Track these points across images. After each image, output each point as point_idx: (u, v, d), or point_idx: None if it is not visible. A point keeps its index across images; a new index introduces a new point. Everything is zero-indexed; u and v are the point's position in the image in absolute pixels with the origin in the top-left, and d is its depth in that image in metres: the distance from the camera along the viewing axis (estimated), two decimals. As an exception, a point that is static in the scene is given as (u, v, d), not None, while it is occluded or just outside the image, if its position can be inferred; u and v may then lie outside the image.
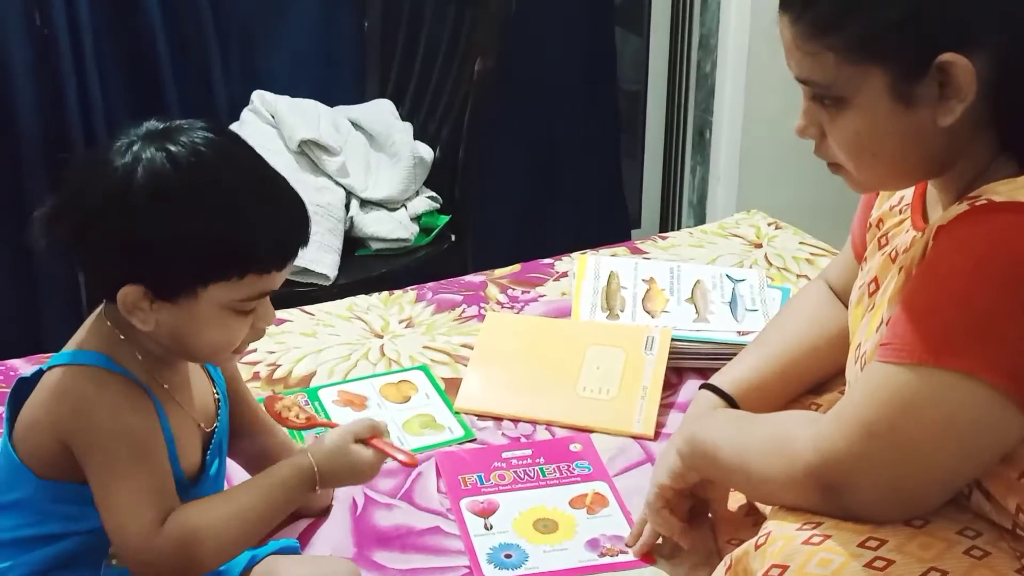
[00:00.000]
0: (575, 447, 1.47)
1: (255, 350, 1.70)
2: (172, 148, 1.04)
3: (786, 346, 1.36)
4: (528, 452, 1.46)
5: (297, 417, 1.26)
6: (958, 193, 1.03)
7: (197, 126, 1.08)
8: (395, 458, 1.20)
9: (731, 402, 1.33)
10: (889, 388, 0.98)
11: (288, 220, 1.10)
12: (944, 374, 0.94)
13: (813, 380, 1.36)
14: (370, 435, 1.18)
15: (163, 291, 1.05)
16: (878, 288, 1.13)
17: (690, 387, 1.57)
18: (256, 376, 1.63)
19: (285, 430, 1.32)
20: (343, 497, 1.39)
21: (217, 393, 1.21)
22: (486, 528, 1.33)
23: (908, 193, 1.15)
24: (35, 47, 2.39)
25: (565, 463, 1.44)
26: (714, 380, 1.37)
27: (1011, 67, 0.97)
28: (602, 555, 1.29)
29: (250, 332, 1.12)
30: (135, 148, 1.05)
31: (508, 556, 1.29)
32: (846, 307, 1.32)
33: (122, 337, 1.09)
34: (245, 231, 1.05)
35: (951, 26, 0.96)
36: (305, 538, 1.33)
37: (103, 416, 1.06)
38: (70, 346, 1.12)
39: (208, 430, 1.18)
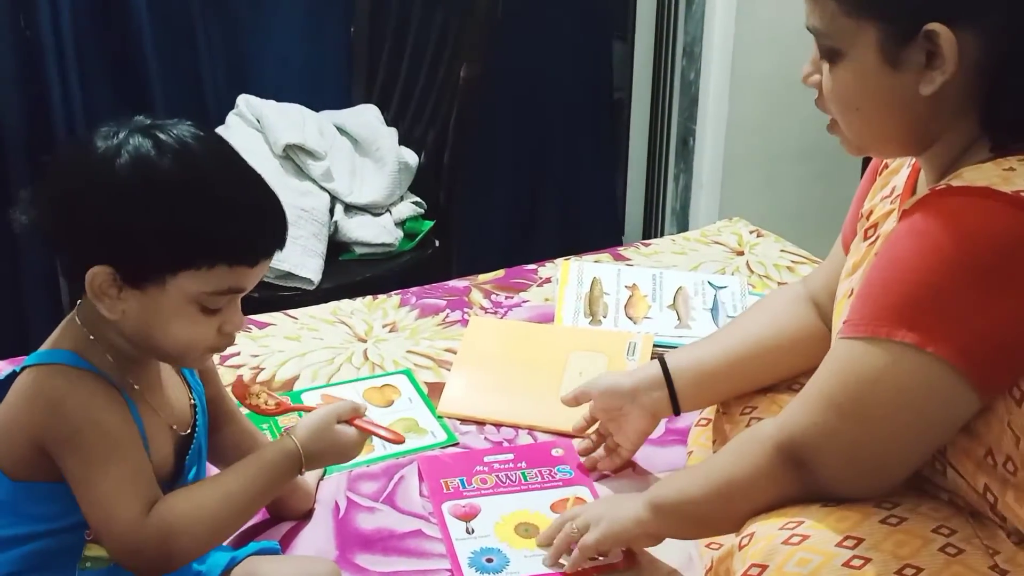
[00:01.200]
0: (557, 452, 1.48)
1: (238, 353, 1.70)
2: (160, 136, 1.05)
3: (740, 342, 1.38)
4: (510, 456, 1.47)
5: (267, 403, 1.26)
6: (939, 173, 1.06)
7: (184, 123, 1.08)
8: (380, 435, 1.21)
9: (671, 388, 1.37)
10: (847, 362, 1.01)
11: (264, 219, 1.10)
12: (896, 346, 0.97)
13: (762, 379, 1.37)
14: (352, 415, 1.19)
15: (132, 275, 1.05)
16: (853, 273, 1.16)
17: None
18: (240, 380, 1.63)
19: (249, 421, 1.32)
20: (326, 500, 1.40)
21: (194, 399, 1.20)
22: (468, 532, 1.34)
23: (899, 184, 1.17)
24: (19, 52, 2.39)
25: (547, 467, 1.45)
26: (667, 355, 1.40)
27: (996, 48, 0.99)
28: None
29: (219, 337, 1.11)
30: (121, 135, 1.05)
31: (489, 560, 1.30)
32: (825, 314, 1.33)
33: (92, 337, 1.09)
34: (219, 220, 1.06)
35: None
36: (287, 541, 1.33)
37: (76, 411, 1.05)
38: (44, 347, 1.12)
39: (182, 433, 1.17)
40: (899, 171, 1.20)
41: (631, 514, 1.20)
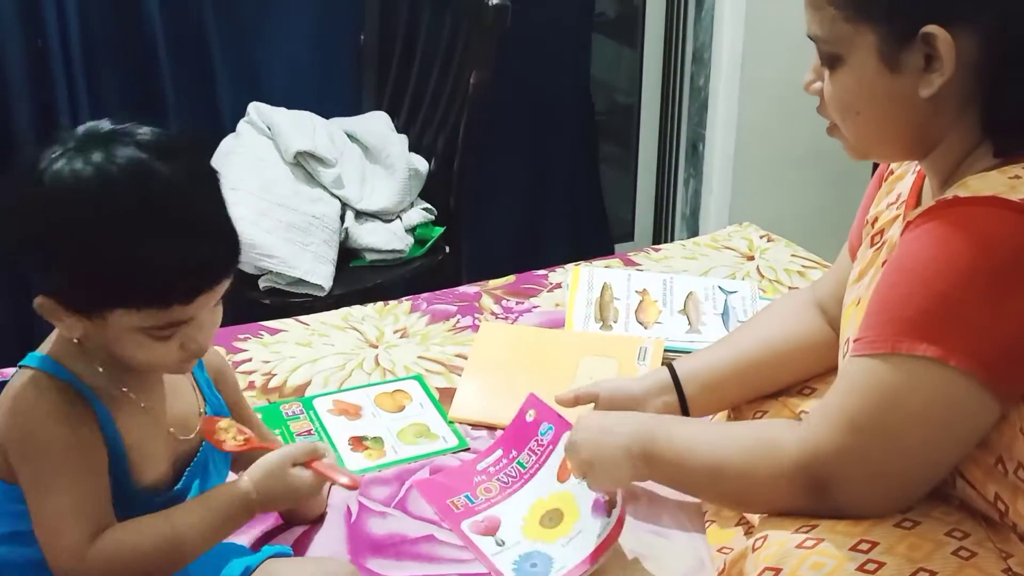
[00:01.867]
0: (531, 415, 1.45)
1: (250, 359, 1.71)
2: (80, 165, 0.99)
3: (748, 347, 1.38)
4: (499, 454, 1.45)
5: (235, 439, 1.17)
6: (943, 177, 1.06)
7: (136, 137, 1.02)
8: (336, 481, 1.16)
9: (680, 393, 1.37)
10: (867, 380, 1.00)
11: (195, 256, 1.02)
12: (916, 361, 0.97)
13: (770, 384, 1.37)
14: (309, 458, 1.14)
15: (71, 304, 1.02)
16: (859, 280, 1.15)
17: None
18: (251, 385, 1.64)
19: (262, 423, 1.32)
20: (338, 504, 1.40)
21: (204, 408, 1.18)
22: (499, 544, 1.32)
23: (904, 190, 1.17)
24: (30, 61, 2.40)
25: (533, 440, 1.43)
26: (676, 363, 1.41)
27: (994, 51, 0.99)
28: (609, 510, 1.28)
29: (182, 353, 1.07)
30: (55, 155, 1.00)
31: (534, 566, 1.28)
32: (833, 319, 1.33)
33: (75, 341, 1.06)
34: (138, 265, 0.99)
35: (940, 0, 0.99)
36: (300, 545, 1.33)
37: (34, 426, 1.03)
38: (38, 349, 1.10)
39: (182, 438, 1.14)
40: (904, 177, 1.20)
41: (628, 466, 1.19)
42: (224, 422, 1.18)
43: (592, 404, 1.42)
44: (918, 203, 1.14)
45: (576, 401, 1.44)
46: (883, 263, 1.10)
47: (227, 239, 1.06)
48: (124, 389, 1.10)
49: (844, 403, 1.02)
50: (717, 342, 1.45)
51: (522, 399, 1.59)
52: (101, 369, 1.08)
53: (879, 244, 1.17)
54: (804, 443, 1.04)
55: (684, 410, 1.39)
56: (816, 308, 1.39)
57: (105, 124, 1.04)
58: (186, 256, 1.01)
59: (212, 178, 1.07)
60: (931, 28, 0.98)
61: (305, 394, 1.63)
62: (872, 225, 1.21)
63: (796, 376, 1.35)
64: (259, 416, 1.31)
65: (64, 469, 1.03)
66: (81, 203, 0.99)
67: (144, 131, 1.03)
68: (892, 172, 1.24)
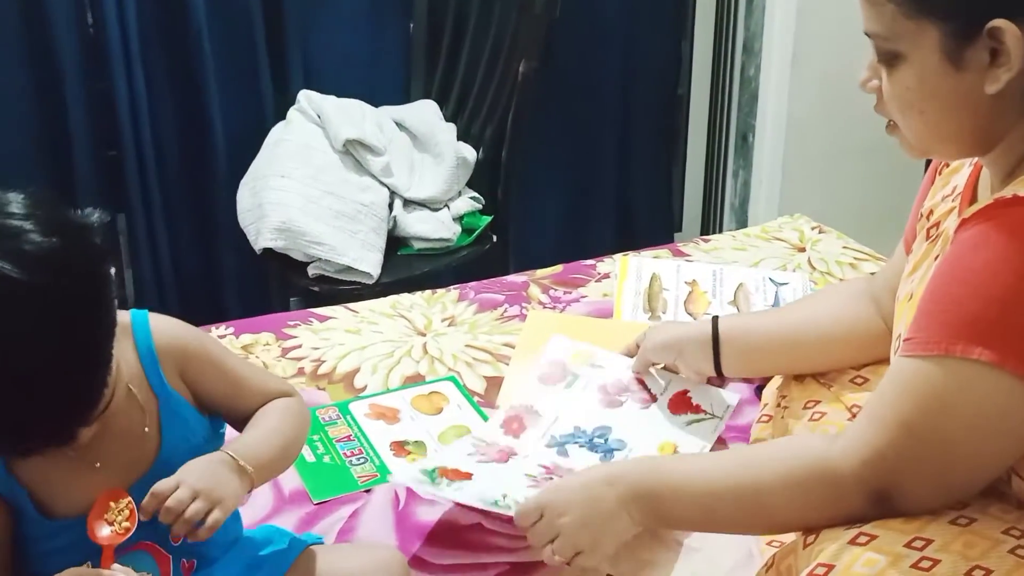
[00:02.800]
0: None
1: (299, 345, 1.72)
2: None
3: (794, 323, 1.38)
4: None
5: (119, 526, 1.02)
6: (1005, 173, 1.03)
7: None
8: None
9: (716, 349, 1.40)
10: (920, 384, 0.98)
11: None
12: (970, 365, 0.95)
13: (811, 364, 1.35)
14: None
15: None
16: (913, 274, 1.14)
17: (732, 388, 1.57)
18: (301, 372, 1.65)
19: (267, 387, 1.17)
20: (385, 491, 1.40)
21: (150, 430, 1.06)
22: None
23: (960, 183, 1.15)
24: (84, 46, 2.43)
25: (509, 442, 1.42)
26: (722, 318, 1.43)
27: None
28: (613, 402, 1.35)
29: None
30: None
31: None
32: (887, 313, 1.32)
33: None
34: None
35: None
36: (346, 532, 1.34)
37: None
38: None
39: (120, 474, 1.04)
40: (960, 170, 1.18)
41: (624, 517, 1.13)
42: (124, 501, 1.03)
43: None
44: (974, 197, 1.12)
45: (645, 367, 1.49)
46: (936, 257, 1.08)
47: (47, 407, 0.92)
48: None
49: (898, 407, 1.00)
50: (767, 310, 1.45)
51: (570, 389, 1.59)
52: None
53: (934, 237, 1.15)
54: (860, 452, 1.01)
55: (717, 367, 1.41)
56: (870, 299, 1.37)
57: None
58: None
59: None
60: (998, 22, 0.95)
61: (354, 382, 1.63)
62: (927, 218, 1.19)
63: (839, 361, 1.33)
64: (265, 383, 1.17)
65: None
66: None
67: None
68: (947, 165, 1.22)
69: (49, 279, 0.89)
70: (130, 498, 1.02)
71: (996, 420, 0.96)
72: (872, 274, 1.46)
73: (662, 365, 1.50)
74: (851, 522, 1.00)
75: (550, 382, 1.51)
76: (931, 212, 1.19)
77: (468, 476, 1.32)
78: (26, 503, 1.02)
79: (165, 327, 1.09)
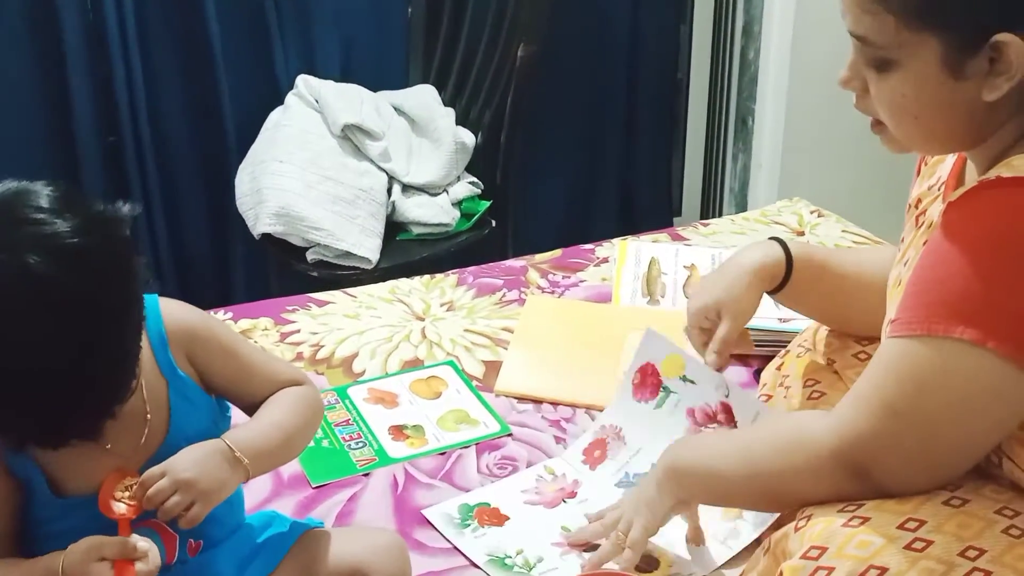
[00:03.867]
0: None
1: (298, 330, 1.72)
2: None
3: (859, 265, 1.37)
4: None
5: (128, 501, 1.04)
6: (988, 164, 1.03)
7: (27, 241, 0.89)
8: None
9: (789, 263, 1.35)
10: (903, 363, 0.99)
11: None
12: (953, 344, 0.95)
13: (844, 303, 1.36)
14: (115, 557, 1.01)
15: None
16: (902, 260, 1.14)
17: (731, 373, 1.57)
18: (300, 356, 1.65)
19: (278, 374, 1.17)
20: (384, 475, 1.41)
21: (153, 415, 1.07)
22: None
23: (945, 172, 1.15)
24: (86, 34, 2.42)
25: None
26: (790, 243, 1.37)
27: None
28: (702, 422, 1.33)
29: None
30: None
31: None
32: None
33: None
34: None
35: (1011, 6, 0.96)
36: (345, 515, 1.34)
37: None
38: None
39: (128, 456, 1.05)
40: (945, 160, 1.18)
41: (654, 489, 1.20)
42: (129, 480, 1.04)
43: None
44: (958, 185, 1.12)
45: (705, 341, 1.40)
46: (924, 243, 1.09)
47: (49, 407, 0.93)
48: None
49: (880, 386, 1.00)
50: (831, 248, 1.43)
51: (569, 373, 1.60)
52: None
53: (921, 224, 1.15)
54: (840, 429, 1.02)
55: (783, 281, 1.36)
56: None
57: None
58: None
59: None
60: (1003, 37, 0.95)
61: (352, 366, 1.64)
62: (915, 207, 1.20)
63: (872, 310, 1.29)
64: (277, 370, 1.16)
65: None
66: None
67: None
68: None
69: (78, 275, 0.90)
70: (139, 477, 1.04)
71: (978, 399, 0.96)
72: None
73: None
74: (838, 497, 1.01)
75: (643, 398, 1.44)
76: (919, 201, 1.19)
77: (503, 521, 1.34)
78: (40, 482, 1.03)
79: (175, 311, 1.10)
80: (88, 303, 0.91)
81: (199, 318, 1.13)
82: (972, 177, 1.09)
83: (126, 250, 0.96)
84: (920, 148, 1.11)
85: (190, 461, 1.03)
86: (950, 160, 1.16)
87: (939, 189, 1.15)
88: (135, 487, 1.03)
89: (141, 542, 1.01)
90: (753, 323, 1.65)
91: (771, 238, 1.39)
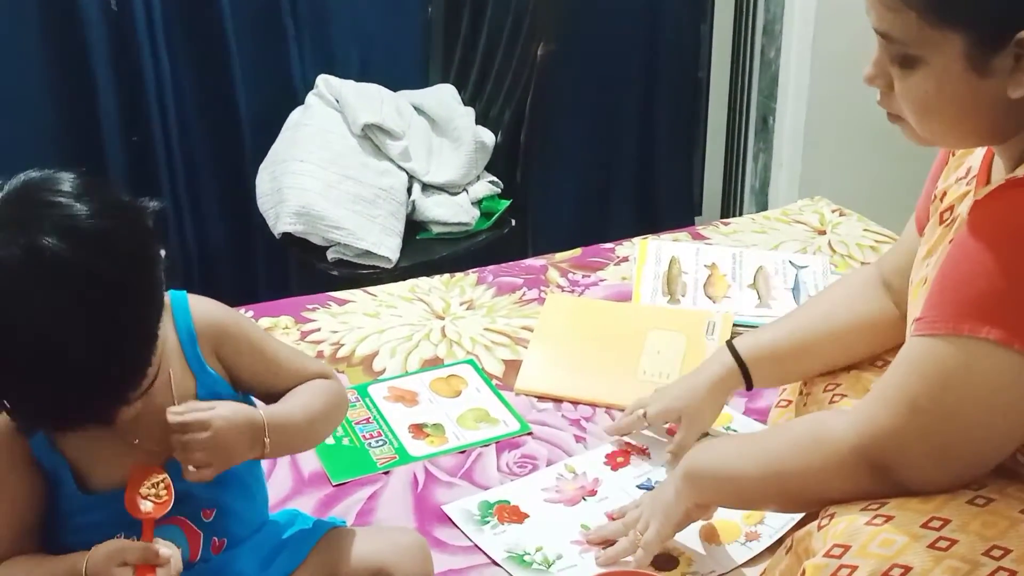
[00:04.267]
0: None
1: (318, 329, 1.72)
2: None
3: (810, 324, 1.37)
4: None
5: (157, 497, 1.05)
6: (1016, 161, 1.03)
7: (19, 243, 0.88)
8: None
9: (743, 368, 1.38)
10: (927, 361, 0.98)
11: (44, 395, 0.93)
12: (978, 343, 0.95)
13: (834, 361, 1.35)
14: (138, 562, 1.02)
15: None
16: (928, 258, 1.13)
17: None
18: (320, 355, 1.66)
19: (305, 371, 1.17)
20: (404, 473, 1.41)
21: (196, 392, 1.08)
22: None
23: (975, 164, 1.14)
24: (109, 28, 2.43)
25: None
26: (736, 341, 1.40)
27: None
28: None
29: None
30: None
31: None
32: (899, 296, 1.31)
33: None
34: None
35: None
36: (365, 513, 1.35)
37: None
38: None
39: (155, 450, 1.06)
40: (974, 151, 1.17)
41: (672, 493, 1.20)
42: (155, 477, 1.05)
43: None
44: (988, 179, 1.12)
45: (629, 429, 1.46)
46: (951, 241, 1.08)
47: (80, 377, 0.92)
48: None
49: (904, 384, 1.00)
50: (777, 321, 1.44)
51: (589, 372, 1.60)
52: None
53: (948, 221, 1.14)
54: (861, 426, 1.02)
55: (748, 383, 1.38)
56: (882, 286, 1.36)
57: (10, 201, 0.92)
58: (42, 392, 0.93)
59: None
60: None
61: (373, 365, 1.64)
62: (941, 200, 1.19)
63: (860, 354, 1.34)
64: (305, 366, 1.17)
65: None
66: None
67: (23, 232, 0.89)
68: None
69: (94, 257, 0.90)
70: (166, 474, 1.04)
71: (1002, 398, 0.95)
72: (880, 258, 1.44)
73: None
74: (859, 495, 1.00)
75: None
76: (944, 194, 1.19)
77: (523, 518, 1.34)
78: (67, 476, 1.04)
79: (205, 308, 1.10)
80: (104, 284, 0.91)
81: (229, 315, 1.13)
82: (999, 173, 1.08)
83: (147, 237, 0.96)
84: (944, 143, 1.11)
85: (227, 429, 1.04)
86: (979, 152, 1.15)
87: (968, 183, 1.14)
88: (161, 484, 1.04)
89: (163, 548, 1.01)
90: (747, 320, 1.66)
91: (727, 341, 1.41)
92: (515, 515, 1.35)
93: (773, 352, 1.38)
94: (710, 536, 1.28)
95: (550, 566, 1.27)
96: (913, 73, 1.01)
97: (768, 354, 1.38)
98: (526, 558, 1.28)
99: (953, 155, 1.22)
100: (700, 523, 1.28)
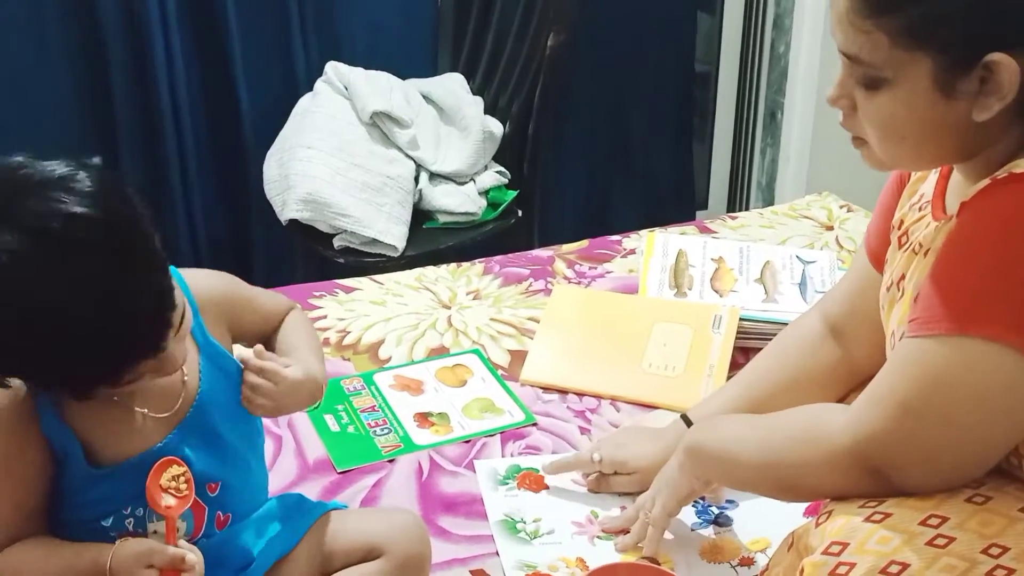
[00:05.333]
0: None
1: (325, 316, 1.73)
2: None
3: (759, 386, 1.37)
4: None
5: (178, 490, 1.06)
6: (984, 175, 1.02)
7: (42, 207, 0.91)
8: None
9: None
10: (920, 363, 0.98)
11: (124, 339, 0.95)
12: (972, 342, 0.95)
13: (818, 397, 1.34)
14: (165, 567, 1.03)
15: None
16: (903, 278, 1.13)
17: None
18: (326, 342, 1.66)
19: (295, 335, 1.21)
20: (409, 461, 1.42)
21: (189, 379, 1.09)
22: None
23: (928, 190, 1.15)
24: (122, 12, 2.44)
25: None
26: (690, 413, 1.39)
27: None
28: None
29: (160, 375, 1.03)
30: None
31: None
32: (851, 336, 1.33)
33: None
34: (58, 362, 0.95)
35: (1005, 26, 0.96)
36: (369, 501, 1.35)
37: None
38: None
39: (161, 416, 1.08)
40: (926, 178, 1.18)
41: (676, 467, 1.22)
42: (175, 469, 1.07)
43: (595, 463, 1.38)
44: (943, 203, 1.12)
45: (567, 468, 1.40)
46: (925, 254, 1.08)
47: (159, 296, 0.97)
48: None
49: (895, 387, 0.99)
50: (726, 386, 1.43)
51: (595, 364, 1.60)
52: None
53: (911, 245, 1.14)
54: (855, 428, 1.01)
55: None
56: (827, 335, 1.37)
57: (23, 176, 0.94)
58: (95, 349, 0.94)
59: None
60: (996, 56, 0.95)
61: (379, 353, 1.65)
62: (899, 228, 1.19)
63: (832, 395, 1.34)
64: (278, 303, 1.23)
65: None
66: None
67: (46, 196, 0.92)
68: (909, 175, 1.22)
69: (98, 229, 0.92)
70: (186, 467, 1.06)
71: (997, 397, 0.95)
72: (820, 303, 1.42)
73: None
74: (855, 493, 1.01)
75: None
76: (902, 222, 1.19)
77: (540, 489, 1.36)
78: (76, 450, 1.05)
79: (205, 281, 1.13)
80: (111, 252, 0.93)
81: (227, 284, 1.18)
82: (961, 190, 1.08)
83: (144, 217, 0.97)
84: (905, 166, 1.12)
85: (301, 375, 1.11)
86: (932, 178, 1.15)
87: (921, 209, 1.15)
88: (181, 477, 1.06)
89: (190, 554, 1.03)
90: (753, 315, 1.66)
91: (682, 415, 1.39)
92: (535, 484, 1.37)
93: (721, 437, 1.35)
94: (710, 552, 1.28)
95: (534, 538, 1.28)
96: (879, 95, 1.01)
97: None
98: (517, 525, 1.30)
99: (905, 184, 1.22)
100: (703, 539, 1.29)
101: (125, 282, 0.93)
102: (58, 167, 0.94)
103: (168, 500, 1.05)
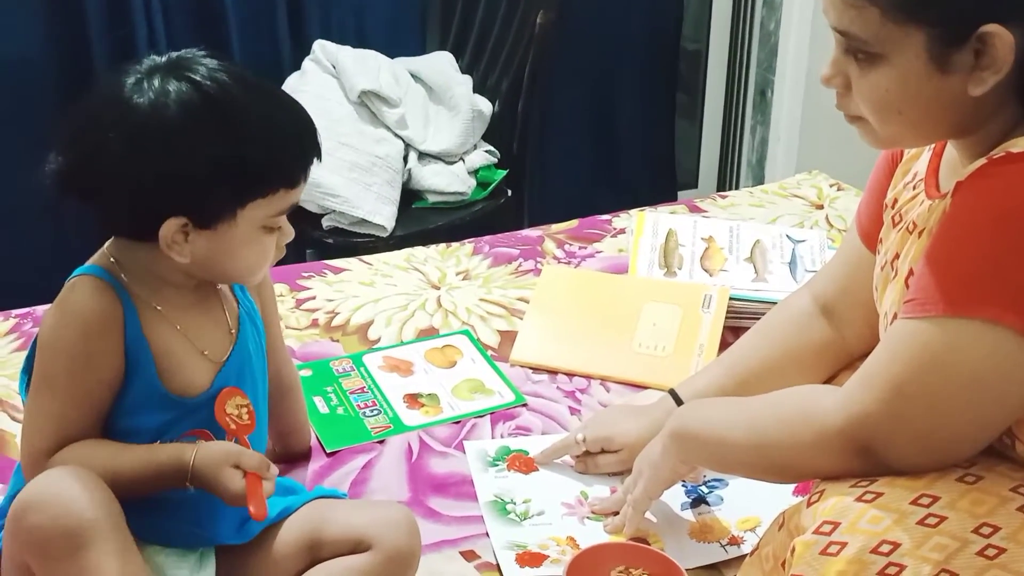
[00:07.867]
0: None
1: (313, 297, 1.72)
2: (194, 77, 1.06)
3: (746, 364, 1.37)
4: None
5: (240, 418, 1.16)
6: (978, 155, 1.02)
7: (200, 56, 1.10)
8: (252, 503, 1.08)
9: None
10: (914, 344, 0.98)
11: (306, 134, 1.13)
12: (967, 323, 0.94)
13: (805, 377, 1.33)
14: (252, 469, 1.09)
15: (204, 219, 1.07)
16: (897, 257, 1.12)
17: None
18: (315, 323, 1.66)
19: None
20: (398, 443, 1.41)
21: (234, 330, 1.19)
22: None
23: (921, 168, 1.15)
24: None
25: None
26: (678, 388, 1.38)
27: None
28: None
29: (277, 251, 1.16)
30: (154, 83, 1.06)
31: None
32: (840, 315, 1.32)
33: (112, 260, 1.11)
34: (275, 149, 1.09)
35: None
36: (359, 483, 1.35)
37: (47, 325, 1.09)
38: None
39: (215, 361, 1.16)
40: (919, 156, 1.17)
41: (659, 450, 1.21)
42: (239, 399, 1.16)
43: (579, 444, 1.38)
44: (936, 178, 1.12)
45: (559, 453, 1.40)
46: (920, 234, 1.08)
47: (311, 120, 1.15)
48: (159, 308, 1.12)
49: (888, 368, 0.99)
50: (715, 362, 1.42)
51: (584, 344, 1.60)
52: (141, 287, 1.12)
53: (904, 225, 1.14)
54: (847, 408, 1.01)
55: None
56: (817, 315, 1.36)
57: (154, 58, 1.10)
58: (306, 131, 1.12)
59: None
60: (991, 27, 0.94)
61: (368, 334, 1.64)
62: (892, 207, 1.19)
63: (820, 376, 1.34)
64: (286, 361, 1.33)
65: (60, 374, 1.08)
66: (216, 108, 1.06)
67: (193, 52, 1.11)
68: (902, 154, 1.21)
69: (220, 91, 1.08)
70: (248, 400, 1.16)
71: (992, 376, 0.95)
72: (810, 283, 1.42)
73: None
74: (845, 473, 1.01)
75: None
76: (895, 201, 1.18)
77: (530, 471, 1.36)
78: (149, 364, 1.11)
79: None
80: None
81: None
82: (955, 169, 1.08)
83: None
84: (904, 143, 1.11)
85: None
86: (925, 156, 1.15)
87: (915, 187, 1.14)
88: (244, 408, 1.15)
89: (273, 466, 1.11)
90: (743, 294, 1.66)
91: (670, 389, 1.38)
92: (525, 466, 1.37)
93: (715, 396, 1.35)
94: (699, 532, 1.28)
95: (524, 519, 1.28)
96: (873, 71, 1.00)
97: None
98: (507, 506, 1.30)
99: (897, 163, 1.21)
100: (693, 517, 1.29)
101: (284, 109, 1.12)
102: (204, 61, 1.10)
103: (233, 424, 1.14)
